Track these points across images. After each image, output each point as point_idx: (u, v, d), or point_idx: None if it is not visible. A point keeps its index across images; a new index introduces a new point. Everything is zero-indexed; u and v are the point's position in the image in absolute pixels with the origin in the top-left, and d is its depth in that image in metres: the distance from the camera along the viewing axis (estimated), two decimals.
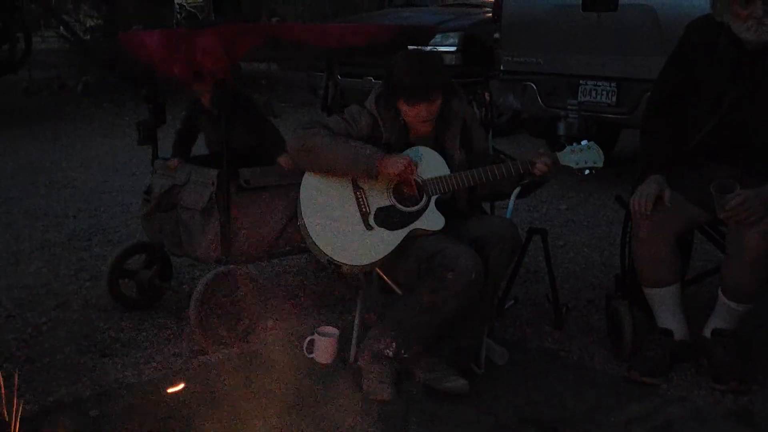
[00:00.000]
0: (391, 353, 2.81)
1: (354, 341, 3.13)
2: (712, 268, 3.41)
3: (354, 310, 3.21)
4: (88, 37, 11.55)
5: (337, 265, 2.86)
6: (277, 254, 3.52)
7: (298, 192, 2.93)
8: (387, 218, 2.85)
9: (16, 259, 4.36)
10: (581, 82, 5.54)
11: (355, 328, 3.15)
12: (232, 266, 3.27)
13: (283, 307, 3.65)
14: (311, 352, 3.14)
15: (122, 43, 3.57)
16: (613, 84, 5.40)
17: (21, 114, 9.46)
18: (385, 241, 2.83)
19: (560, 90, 5.63)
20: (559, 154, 2.94)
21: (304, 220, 2.87)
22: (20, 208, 5.36)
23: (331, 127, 2.89)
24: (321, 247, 2.84)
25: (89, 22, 12.01)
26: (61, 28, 11.64)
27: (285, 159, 3.33)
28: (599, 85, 5.47)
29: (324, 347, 3.13)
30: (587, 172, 2.98)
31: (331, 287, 3.87)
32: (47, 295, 3.84)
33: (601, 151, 2.96)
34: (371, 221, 2.85)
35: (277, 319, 3.52)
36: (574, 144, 2.98)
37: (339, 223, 2.86)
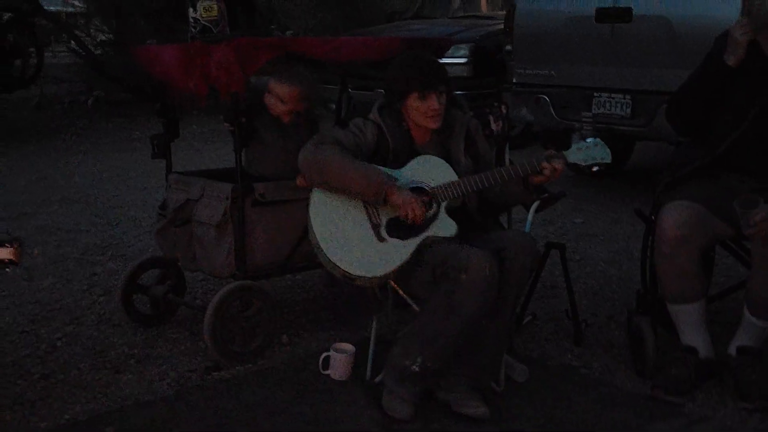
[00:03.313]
0: (417, 368, 2.75)
1: (370, 358, 3.08)
2: (735, 284, 3.36)
3: (369, 326, 3.17)
4: (99, 51, 11.58)
5: (352, 279, 2.82)
6: (292, 269, 3.48)
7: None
8: (398, 228, 2.82)
9: (29, 274, 4.33)
10: (595, 94, 5.50)
11: (372, 344, 3.11)
12: (246, 281, 3.24)
13: (297, 323, 3.62)
14: (327, 369, 3.09)
15: (136, 57, 3.56)
16: (627, 96, 5.35)
17: (33, 129, 9.50)
18: (398, 251, 2.80)
19: (574, 102, 5.59)
20: (566, 153, 2.90)
21: (316, 235, 2.84)
22: (33, 224, 5.34)
23: (341, 139, 2.86)
24: (334, 261, 2.81)
25: (100, 37, 12.04)
26: (73, 43, 11.67)
27: (302, 178, 3.29)
28: (614, 98, 5.42)
29: (340, 364, 3.09)
30: (595, 168, 2.92)
31: (346, 303, 3.83)
32: (61, 311, 3.82)
33: (607, 148, 2.91)
34: (383, 232, 2.82)
35: (291, 335, 3.48)
36: (581, 142, 2.93)
37: (351, 236, 2.82)
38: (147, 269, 3.68)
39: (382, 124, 2.92)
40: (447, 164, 2.89)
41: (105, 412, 2.85)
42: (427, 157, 2.90)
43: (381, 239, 2.81)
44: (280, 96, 3.39)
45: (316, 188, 2.88)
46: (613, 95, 5.41)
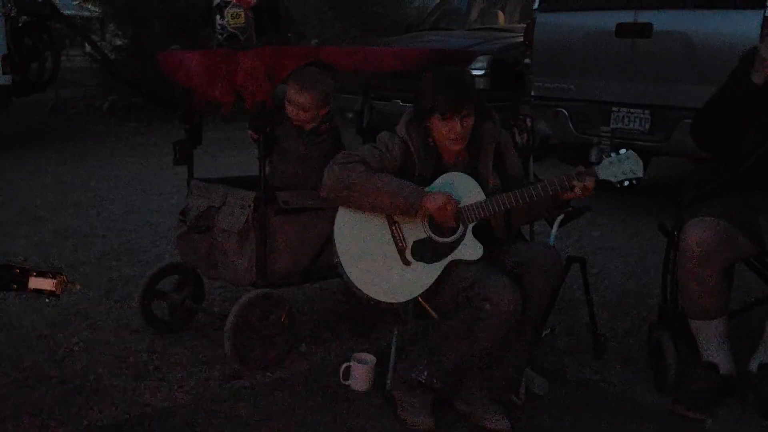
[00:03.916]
0: (423, 379, 2.75)
1: (390, 369, 3.07)
2: (754, 300, 3.35)
3: (389, 336, 3.16)
4: (115, 56, 11.65)
5: (377, 302, 2.82)
6: (312, 278, 3.48)
7: (333, 228, 2.87)
8: (424, 251, 2.79)
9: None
10: (614, 108, 5.50)
11: (392, 355, 3.10)
12: (267, 290, 3.24)
13: (316, 332, 3.61)
14: (347, 379, 3.09)
15: (159, 62, 3.57)
16: (646, 111, 5.35)
17: (48, 133, 9.55)
18: (423, 276, 2.78)
19: (592, 117, 5.59)
20: (597, 169, 2.79)
21: (341, 258, 2.83)
22: (49, 227, 5.36)
23: (367, 158, 2.82)
24: (359, 287, 2.80)
25: (116, 42, 12.12)
26: (88, 47, 11.75)
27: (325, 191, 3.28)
28: (632, 112, 5.42)
29: (360, 374, 3.08)
30: (627, 183, 2.79)
31: (365, 313, 3.82)
32: (78, 316, 3.82)
33: (640, 160, 2.79)
34: (408, 256, 2.79)
35: (310, 344, 3.48)
36: (612, 155, 2.79)
37: (376, 260, 2.80)
38: (166, 275, 3.68)
39: (409, 141, 2.86)
40: (475, 182, 2.82)
41: (124, 418, 2.85)
42: (455, 174, 2.83)
43: (406, 263, 2.79)
44: (300, 104, 3.35)
45: (341, 208, 2.86)
46: (631, 110, 5.41)
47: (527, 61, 6.00)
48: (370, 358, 3.12)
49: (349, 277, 2.81)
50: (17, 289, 2.17)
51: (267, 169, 3.32)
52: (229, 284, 3.70)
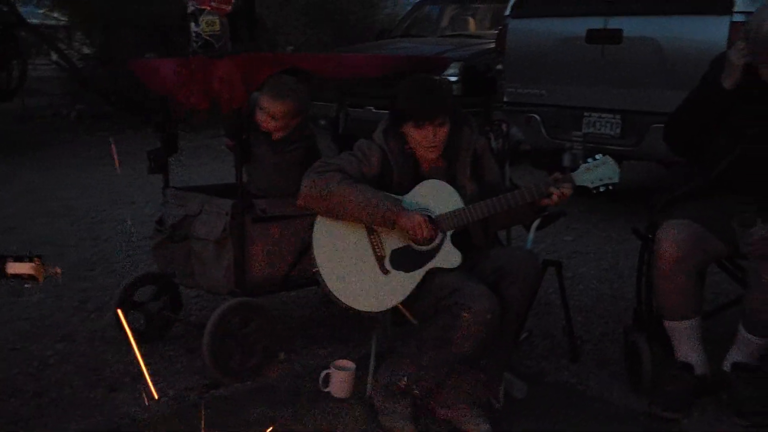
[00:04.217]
0: (403, 385, 2.76)
1: (371, 375, 3.07)
2: (728, 302, 3.41)
3: (368, 343, 3.16)
4: (82, 65, 11.53)
5: (357, 311, 2.83)
6: (291, 286, 3.47)
7: (311, 236, 2.87)
8: (403, 260, 2.80)
9: (17, 290, 4.28)
10: (585, 114, 5.57)
11: (372, 361, 3.10)
12: (245, 298, 3.22)
13: (294, 340, 3.60)
14: (327, 386, 3.08)
15: (134, 70, 3.55)
16: (617, 116, 5.42)
17: (16, 142, 9.42)
18: (402, 285, 2.79)
19: (565, 122, 5.65)
20: (574, 175, 2.84)
21: (319, 267, 2.83)
22: (19, 238, 5.29)
23: (345, 167, 2.81)
24: (338, 296, 2.81)
25: (84, 50, 12.00)
26: (55, 55, 11.63)
27: (302, 200, 3.27)
28: (603, 117, 5.49)
29: (340, 381, 3.08)
30: (603, 189, 2.85)
31: (343, 320, 3.82)
32: (51, 327, 3.78)
33: (616, 165, 2.84)
34: (387, 265, 2.80)
35: (289, 352, 3.47)
36: (589, 161, 2.85)
37: (354, 269, 2.81)
38: (141, 285, 3.65)
39: (386, 148, 2.86)
40: (453, 189, 2.83)
41: (101, 430, 2.81)
42: (433, 182, 2.84)
43: (385, 272, 2.80)
44: (271, 112, 3.32)
45: (320, 217, 2.85)
46: (603, 115, 5.48)
47: (499, 67, 6.05)
48: (350, 364, 3.12)
49: (327, 287, 2.81)
50: None
51: (244, 177, 3.31)
52: (206, 293, 3.68)
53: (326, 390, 3.07)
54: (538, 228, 3.09)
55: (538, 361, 3.43)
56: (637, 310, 3.27)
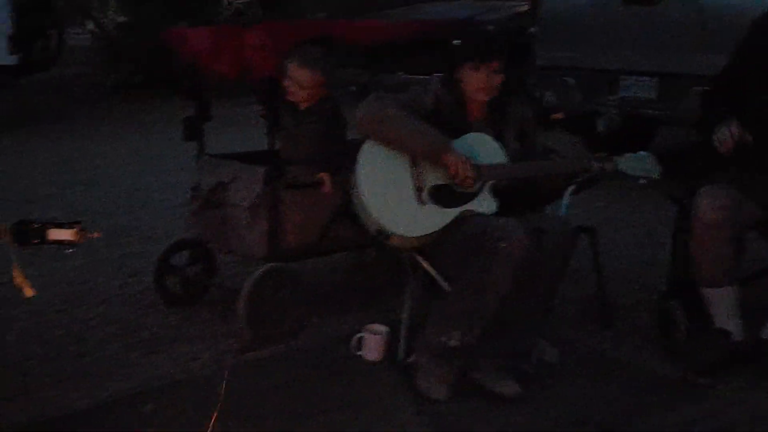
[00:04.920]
0: (455, 343, 2.76)
1: (403, 338, 3.10)
2: (765, 268, 3.36)
3: (398, 309, 3.18)
4: (117, 34, 11.59)
5: (386, 236, 2.84)
6: (322, 252, 3.50)
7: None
8: (440, 196, 2.85)
9: (58, 255, 4.37)
10: (621, 77, 5.48)
11: (403, 325, 3.12)
12: (279, 264, 3.26)
13: (327, 305, 3.64)
14: (359, 350, 3.12)
15: (166, 39, 3.57)
16: (654, 79, 5.33)
17: (53, 112, 9.55)
18: (436, 217, 2.83)
19: (599, 86, 5.56)
20: (617, 159, 2.92)
21: (359, 187, 2.87)
22: (59, 205, 5.39)
23: (401, 99, 2.91)
24: (372, 214, 2.84)
25: (119, 19, 12.06)
26: (92, 24, 11.71)
27: (327, 177, 3.30)
28: (640, 81, 5.40)
29: (373, 345, 3.11)
30: (642, 181, 2.95)
31: (374, 286, 3.85)
32: (92, 291, 3.85)
33: (658, 164, 2.92)
34: (424, 196, 2.85)
35: (321, 317, 3.50)
36: (631, 154, 2.96)
37: (392, 193, 2.86)
38: (178, 250, 3.71)
39: (440, 95, 2.96)
40: (498, 144, 2.92)
41: (142, 390, 2.88)
42: (480, 135, 2.94)
43: (421, 202, 2.84)
44: (299, 81, 3.33)
45: (367, 142, 2.92)
46: (639, 78, 5.38)
47: (533, 30, 5.96)
48: (383, 328, 3.15)
49: (363, 205, 2.85)
50: (39, 242, 2.21)
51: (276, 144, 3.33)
52: (241, 259, 3.72)
53: (359, 353, 3.11)
54: (573, 194, 3.08)
55: (571, 328, 3.42)
56: (671, 277, 3.24)
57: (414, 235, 2.83)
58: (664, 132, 6.67)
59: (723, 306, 2.99)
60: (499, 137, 2.98)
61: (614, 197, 5.45)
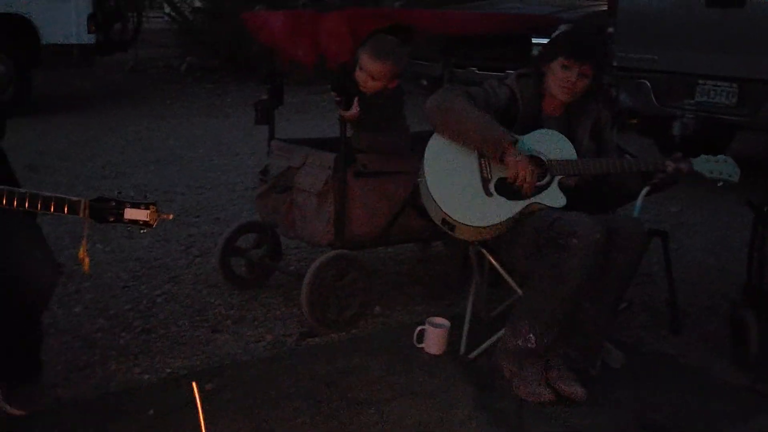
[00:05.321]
0: (531, 345, 2.72)
1: (465, 333, 3.08)
2: None
3: (461, 303, 3.16)
4: (194, 17, 11.80)
5: (451, 226, 2.82)
6: (387, 242, 3.50)
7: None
8: (507, 188, 2.81)
9: (129, 233, 4.47)
10: (700, 81, 5.33)
11: (467, 318, 3.10)
12: (344, 251, 3.27)
13: (390, 296, 3.64)
14: (421, 342, 3.10)
15: (245, 23, 3.60)
16: (734, 84, 5.17)
17: (128, 92, 9.77)
18: (502, 209, 2.80)
19: (676, 89, 5.43)
20: (694, 161, 2.86)
21: (425, 176, 2.86)
22: (130, 183, 5.51)
23: (472, 92, 2.89)
24: (438, 203, 2.81)
25: (196, 3, 12.27)
26: (169, 8, 11.93)
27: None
28: (719, 86, 5.25)
29: (435, 338, 3.09)
30: (720, 183, 2.89)
31: (438, 279, 3.84)
32: (160, 269, 3.93)
33: (737, 168, 2.87)
34: (491, 188, 2.83)
35: (384, 307, 3.50)
36: (711, 156, 2.91)
37: (459, 183, 2.84)
38: (244, 233, 3.75)
39: (516, 89, 2.95)
40: (569, 142, 2.89)
41: (204, 368, 2.93)
42: (551, 131, 2.92)
43: (488, 193, 2.81)
44: (371, 72, 3.26)
45: (436, 134, 2.91)
46: (718, 83, 5.23)
47: (610, 30, 5.84)
48: (445, 322, 3.13)
49: (429, 193, 2.83)
50: (114, 220, 2.24)
51: (348, 131, 3.33)
52: (306, 244, 3.75)
53: (420, 346, 3.09)
54: (647, 194, 3.00)
55: (638, 332, 3.36)
56: (746, 285, 3.15)
57: (477, 225, 2.80)
58: (742, 138, 6.49)
59: None
60: (571, 135, 2.94)
61: (688, 202, 5.32)
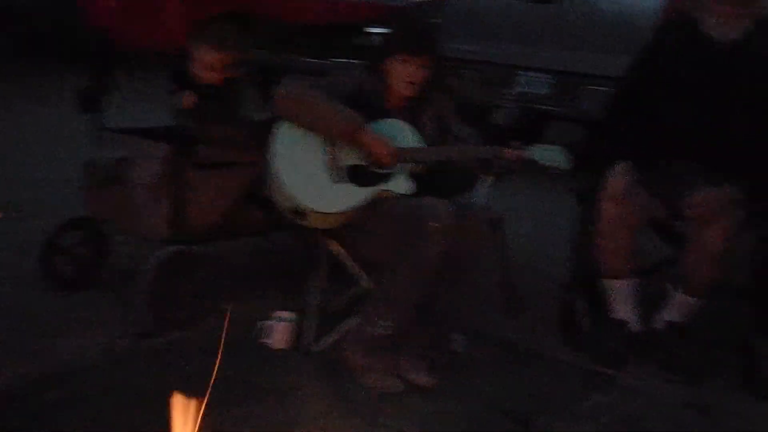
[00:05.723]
0: (385, 331, 2.73)
1: (309, 325, 3.04)
2: (658, 262, 3.50)
3: (310, 293, 3.11)
4: None
5: (302, 215, 2.80)
6: (229, 235, 3.39)
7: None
8: (356, 175, 2.85)
9: None
10: (519, 72, 5.61)
11: (310, 310, 3.06)
12: (182, 246, 3.13)
13: (233, 291, 3.51)
14: (266, 337, 3.03)
15: (78, 5, 3.36)
16: (550, 76, 5.48)
17: None
18: (351, 196, 2.82)
19: (498, 80, 5.67)
20: (531, 148, 2.99)
21: (273, 166, 2.83)
22: None
23: (318, 85, 2.90)
24: (288, 191, 2.80)
25: None
26: None
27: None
28: (536, 77, 5.54)
29: (280, 332, 3.03)
30: (552, 172, 3.01)
31: (284, 272, 3.76)
32: None
33: (568, 156, 3.00)
34: (340, 175, 2.84)
35: (229, 303, 3.38)
36: (545, 145, 3.05)
37: (307, 172, 2.84)
38: (70, 230, 3.49)
39: (360, 82, 2.95)
40: (416, 131, 2.94)
41: (41, 377, 2.70)
42: (396, 121, 2.95)
43: (337, 180, 2.83)
44: (209, 63, 3.18)
45: (282, 122, 2.88)
46: (536, 74, 5.52)
47: (437, 21, 5.99)
48: (291, 315, 3.08)
49: (279, 182, 2.80)
50: None
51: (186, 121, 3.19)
52: (141, 239, 3.54)
53: (265, 341, 3.02)
54: (491, 184, 3.12)
55: (478, 317, 3.45)
56: (573, 270, 3.33)
57: (330, 211, 2.80)
58: (556, 127, 6.87)
59: (622, 297, 3.12)
60: (416, 124, 2.99)
61: (512, 190, 5.54)
